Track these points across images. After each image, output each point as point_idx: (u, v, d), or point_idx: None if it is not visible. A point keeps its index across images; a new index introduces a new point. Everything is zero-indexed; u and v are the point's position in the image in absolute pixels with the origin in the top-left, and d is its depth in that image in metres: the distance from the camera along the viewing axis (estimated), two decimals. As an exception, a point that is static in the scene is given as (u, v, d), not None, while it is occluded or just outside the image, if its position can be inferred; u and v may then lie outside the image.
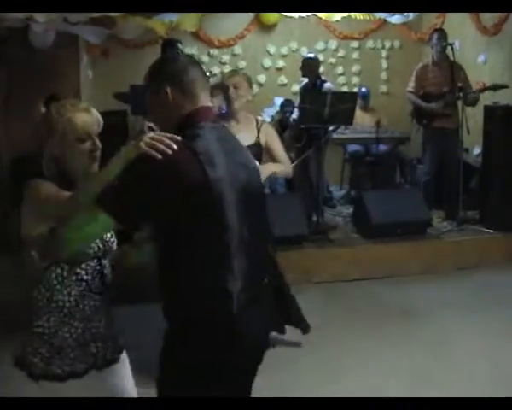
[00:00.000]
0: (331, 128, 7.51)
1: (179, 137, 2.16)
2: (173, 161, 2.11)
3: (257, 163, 2.62)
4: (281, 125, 8.27)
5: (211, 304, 2.19)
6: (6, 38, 6.95)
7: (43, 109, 2.59)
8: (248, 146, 4.11)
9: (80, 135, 2.49)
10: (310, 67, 7.65)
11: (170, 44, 7.58)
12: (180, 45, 7.62)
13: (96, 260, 2.58)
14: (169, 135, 2.15)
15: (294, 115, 7.96)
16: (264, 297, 2.43)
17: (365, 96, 9.21)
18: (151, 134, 2.17)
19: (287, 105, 8.75)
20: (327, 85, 7.53)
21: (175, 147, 2.11)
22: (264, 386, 4.40)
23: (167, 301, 2.29)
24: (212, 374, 2.22)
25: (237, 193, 2.24)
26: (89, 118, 2.53)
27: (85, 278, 2.54)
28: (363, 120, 8.90)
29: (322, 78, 7.84)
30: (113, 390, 2.67)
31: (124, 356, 2.76)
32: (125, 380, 2.75)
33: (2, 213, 7.27)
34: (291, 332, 5.00)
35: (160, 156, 2.09)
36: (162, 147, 2.09)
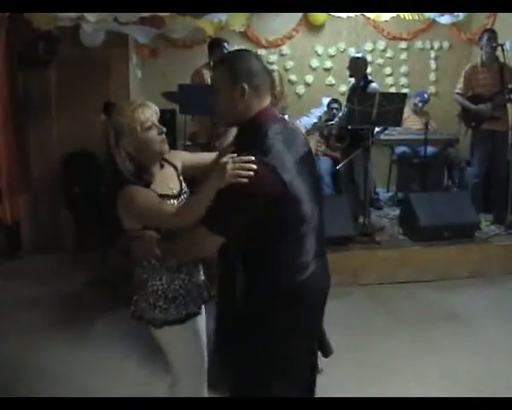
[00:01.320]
0: (378, 129, 7.46)
1: (253, 158, 2.44)
2: (258, 181, 2.43)
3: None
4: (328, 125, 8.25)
5: (292, 275, 2.62)
6: (58, 38, 7.06)
7: (103, 117, 2.93)
8: None
9: (146, 125, 2.85)
10: (357, 66, 7.57)
11: (216, 44, 7.63)
12: (227, 45, 7.65)
13: None
14: (246, 158, 2.46)
15: (338, 116, 7.94)
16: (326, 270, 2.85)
17: (426, 102, 9.18)
18: (230, 163, 2.48)
19: (333, 104, 8.74)
20: (372, 86, 7.44)
21: (255, 167, 2.43)
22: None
23: (254, 281, 2.68)
24: (293, 325, 2.67)
25: (306, 184, 2.60)
26: (147, 109, 2.89)
27: None
28: (411, 121, 8.84)
29: (369, 78, 7.77)
30: (200, 329, 3.20)
31: None
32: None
33: (55, 213, 7.41)
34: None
35: (246, 181, 2.42)
36: (246, 173, 2.44)
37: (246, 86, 2.54)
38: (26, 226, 7.43)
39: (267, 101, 2.64)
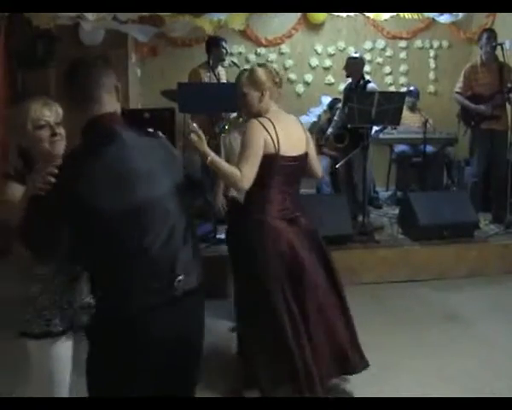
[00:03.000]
0: (377, 128, 7.46)
1: (55, 170, 2.33)
2: (59, 192, 2.32)
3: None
4: (329, 124, 8.23)
5: (116, 302, 2.42)
6: (57, 37, 7.06)
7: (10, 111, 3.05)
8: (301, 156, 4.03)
9: (37, 123, 2.86)
10: (354, 66, 7.57)
11: (215, 42, 7.65)
12: (224, 43, 7.67)
13: None
14: (48, 170, 2.34)
15: (336, 116, 7.92)
16: (186, 304, 2.53)
17: (416, 96, 9.11)
18: (35, 174, 2.43)
19: (337, 103, 8.72)
20: (370, 86, 7.44)
21: (52, 181, 2.32)
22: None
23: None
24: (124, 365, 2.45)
25: (134, 205, 2.40)
26: (45, 108, 2.89)
27: None
28: (409, 120, 8.82)
29: (367, 77, 7.75)
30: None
31: None
32: None
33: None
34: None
35: (42, 194, 2.33)
36: (42, 186, 2.34)
37: (71, 93, 2.51)
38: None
39: (108, 105, 2.51)
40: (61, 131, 2.91)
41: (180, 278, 2.48)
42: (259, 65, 4.22)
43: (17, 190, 2.78)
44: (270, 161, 3.82)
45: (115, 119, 2.52)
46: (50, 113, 2.89)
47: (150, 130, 2.68)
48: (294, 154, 3.95)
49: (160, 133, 2.72)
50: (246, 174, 3.71)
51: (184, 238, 2.56)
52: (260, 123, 3.85)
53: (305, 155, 4.07)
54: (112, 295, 2.43)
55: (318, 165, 4.33)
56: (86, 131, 2.47)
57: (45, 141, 2.86)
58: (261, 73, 3.98)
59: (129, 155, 2.44)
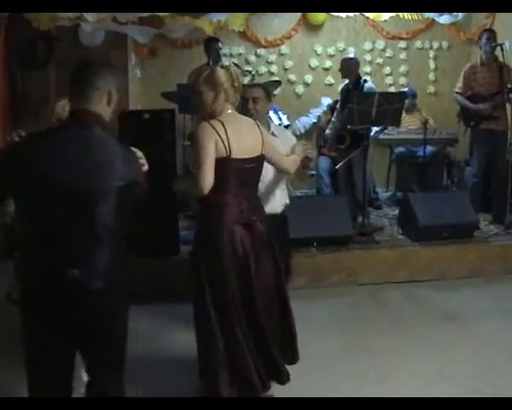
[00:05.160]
0: (377, 129, 7.45)
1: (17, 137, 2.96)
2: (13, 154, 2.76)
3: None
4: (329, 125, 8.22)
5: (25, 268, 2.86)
6: (57, 37, 7.06)
7: None
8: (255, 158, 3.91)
9: (57, 117, 3.60)
10: (348, 67, 7.55)
11: (207, 43, 7.70)
12: (219, 44, 7.72)
13: None
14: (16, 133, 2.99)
15: (334, 117, 7.91)
16: (87, 301, 2.77)
17: (413, 96, 9.07)
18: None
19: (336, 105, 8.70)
20: (367, 85, 7.42)
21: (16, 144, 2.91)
22: (307, 386, 4.41)
23: None
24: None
25: (59, 189, 2.66)
26: (67, 106, 3.28)
27: None
28: (408, 121, 8.80)
29: (365, 77, 7.73)
30: None
31: None
32: None
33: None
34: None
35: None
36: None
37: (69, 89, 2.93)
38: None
39: (92, 104, 2.82)
40: None
41: (74, 271, 2.69)
42: (222, 67, 4.18)
43: None
44: (223, 165, 3.70)
45: (86, 116, 2.79)
46: (66, 112, 3.19)
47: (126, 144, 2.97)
48: (247, 156, 3.80)
49: (134, 149, 3.02)
50: (203, 176, 3.63)
51: (101, 240, 2.76)
52: (210, 125, 3.74)
53: (261, 158, 3.96)
54: (27, 259, 2.82)
55: (289, 162, 4.20)
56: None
57: None
58: (220, 74, 3.87)
59: (71, 148, 2.71)
